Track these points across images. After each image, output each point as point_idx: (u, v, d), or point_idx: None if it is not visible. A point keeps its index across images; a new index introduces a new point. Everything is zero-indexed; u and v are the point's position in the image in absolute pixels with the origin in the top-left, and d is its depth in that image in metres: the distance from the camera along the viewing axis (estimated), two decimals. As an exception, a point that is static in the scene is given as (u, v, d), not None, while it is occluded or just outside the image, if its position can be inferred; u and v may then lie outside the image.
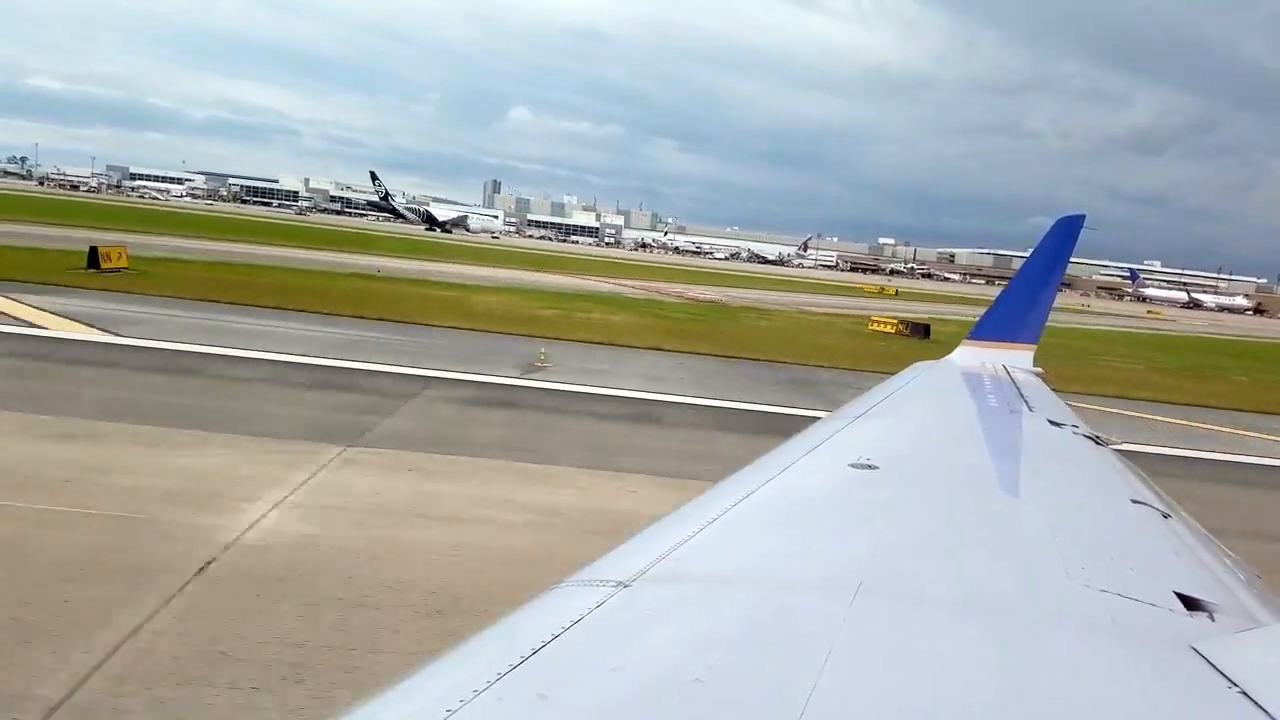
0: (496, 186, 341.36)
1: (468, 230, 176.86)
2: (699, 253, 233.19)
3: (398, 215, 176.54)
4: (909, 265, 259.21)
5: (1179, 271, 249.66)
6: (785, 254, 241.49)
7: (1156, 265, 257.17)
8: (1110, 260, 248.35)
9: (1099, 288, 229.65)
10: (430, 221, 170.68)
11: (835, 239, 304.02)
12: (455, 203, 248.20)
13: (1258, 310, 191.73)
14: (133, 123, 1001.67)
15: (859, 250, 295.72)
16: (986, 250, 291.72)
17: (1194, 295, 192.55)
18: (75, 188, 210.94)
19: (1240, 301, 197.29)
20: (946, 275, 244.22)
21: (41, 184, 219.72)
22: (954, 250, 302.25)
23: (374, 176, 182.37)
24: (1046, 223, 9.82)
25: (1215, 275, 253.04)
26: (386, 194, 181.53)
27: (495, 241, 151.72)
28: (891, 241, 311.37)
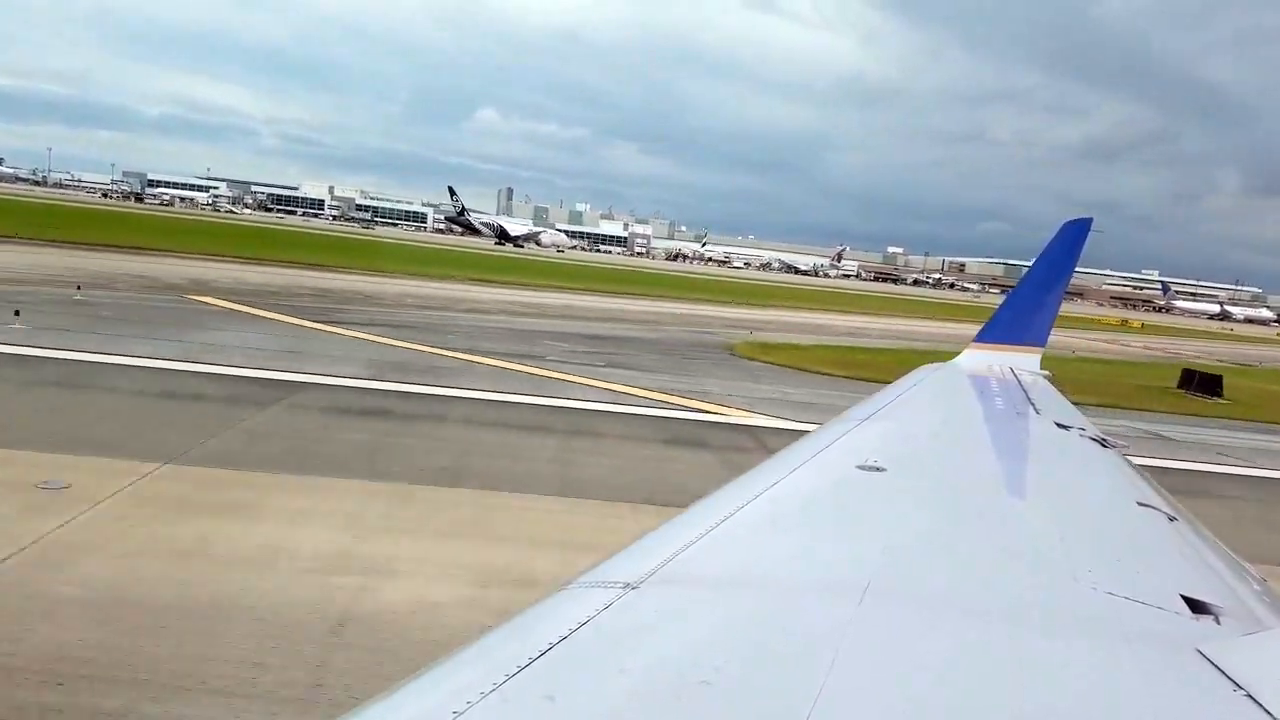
0: (510, 194, 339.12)
1: (539, 245, 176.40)
2: (725, 261, 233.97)
3: (472, 230, 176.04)
4: (930, 276, 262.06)
5: (1194, 282, 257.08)
6: (819, 265, 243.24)
7: (1108, 271, 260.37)
8: (1112, 269, 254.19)
9: (1112, 297, 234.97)
10: (503, 236, 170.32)
11: (849, 248, 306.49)
12: (444, 204, 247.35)
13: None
14: (82, 120, 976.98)
15: (873, 260, 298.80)
16: (996, 260, 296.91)
17: (1225, 308, 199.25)
18: (139, 198, 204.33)
19: (1265, 313, 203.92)
20: (965, 285, 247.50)
21: (58, 186, 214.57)
22: (964, 260, 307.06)
23: (452, 192, 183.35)
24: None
25: (1232, 287, 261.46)
26: (464, 209, 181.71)
27: (563, 256, 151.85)
28: (901, 250, 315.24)
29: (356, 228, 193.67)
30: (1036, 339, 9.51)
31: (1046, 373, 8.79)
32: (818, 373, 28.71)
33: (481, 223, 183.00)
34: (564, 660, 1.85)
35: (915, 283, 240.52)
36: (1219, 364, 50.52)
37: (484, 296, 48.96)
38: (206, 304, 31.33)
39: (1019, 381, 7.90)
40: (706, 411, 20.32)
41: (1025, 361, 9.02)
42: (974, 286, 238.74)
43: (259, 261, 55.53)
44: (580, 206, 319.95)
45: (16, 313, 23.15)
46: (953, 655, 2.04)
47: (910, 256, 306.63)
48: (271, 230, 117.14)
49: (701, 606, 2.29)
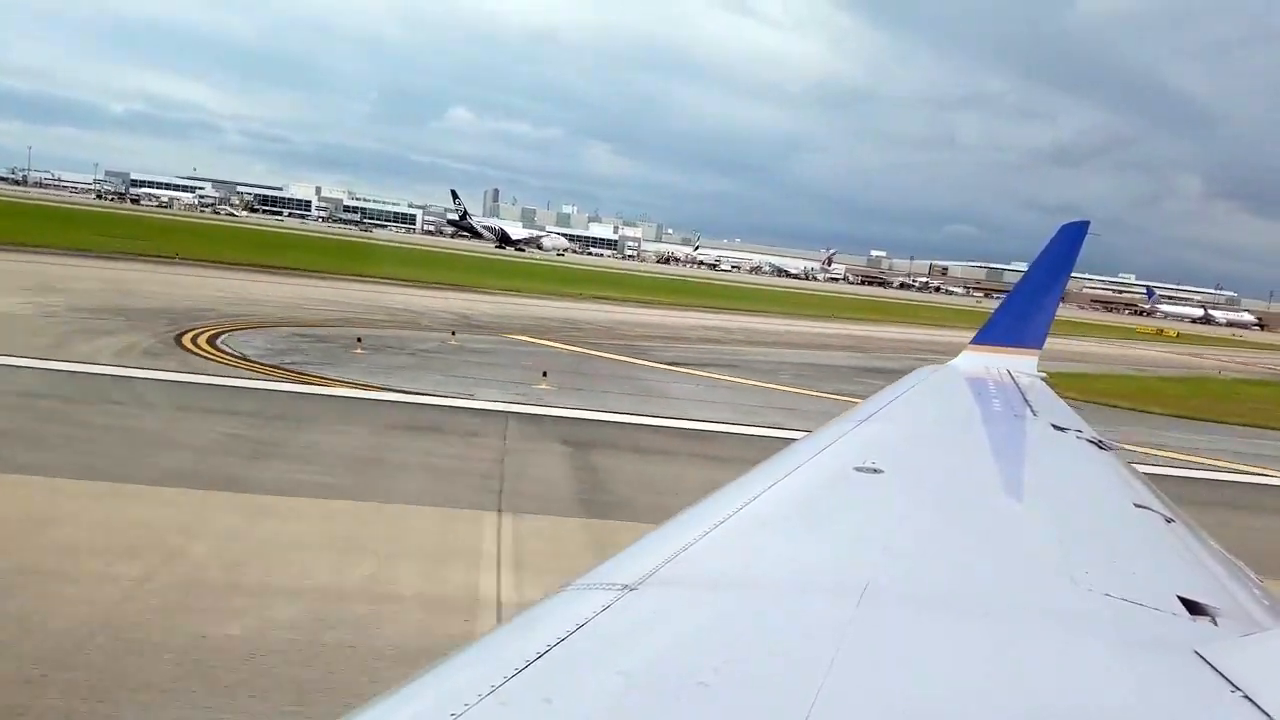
0: (496, 195, 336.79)
1: (540, 249, 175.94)
2: (714, 265, 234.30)
3: (474, 234, 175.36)
4: (916, 280, 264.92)
5: (1174, 286, 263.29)
6: (809, 268, 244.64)
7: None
8: (1089, 273, 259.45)
9: (1092, 300, 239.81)
10: (504, 240, 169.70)
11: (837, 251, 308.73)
12: (432, 205, 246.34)
13: (1261, 326, 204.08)
14: (43, 116, 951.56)
15: (857, 263, 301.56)
16: (979, 264, 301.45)
17: (1209, 312, 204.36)
18: (135, 200, 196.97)
19: (1247, 317, 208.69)
20: (950, 289, 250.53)
21: (39, 186, 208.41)
22: (946, 263, 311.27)
23: (454, 195, 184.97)
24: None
25: (1212, 291, 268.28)
26: (465, 213, 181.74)
27: (563, 259, 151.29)
28: (884, 254, 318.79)
29: (354, 230, 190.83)
30: (1034, 341, 9.51)
31: (1044, 375, 8.81)
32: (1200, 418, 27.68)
33: (483, 226, 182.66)
34: (562, 662, 1.85)
35: (902, 286, 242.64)
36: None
37: (665, 320, 48.32)
38: (542, 345, 30.68)
39: (1016, 384, 7.90)
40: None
41: (1022, 364, 9.02)
42: (959, 290, 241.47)
43: (414, 283, 54.02)
44: (568, 209, 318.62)
45: (544, 374, 22.62)
46: (950, 657, 2.04)
47: (894, 260, 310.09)
48: (290, 236, 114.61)
49: (700, 608, 2.29)
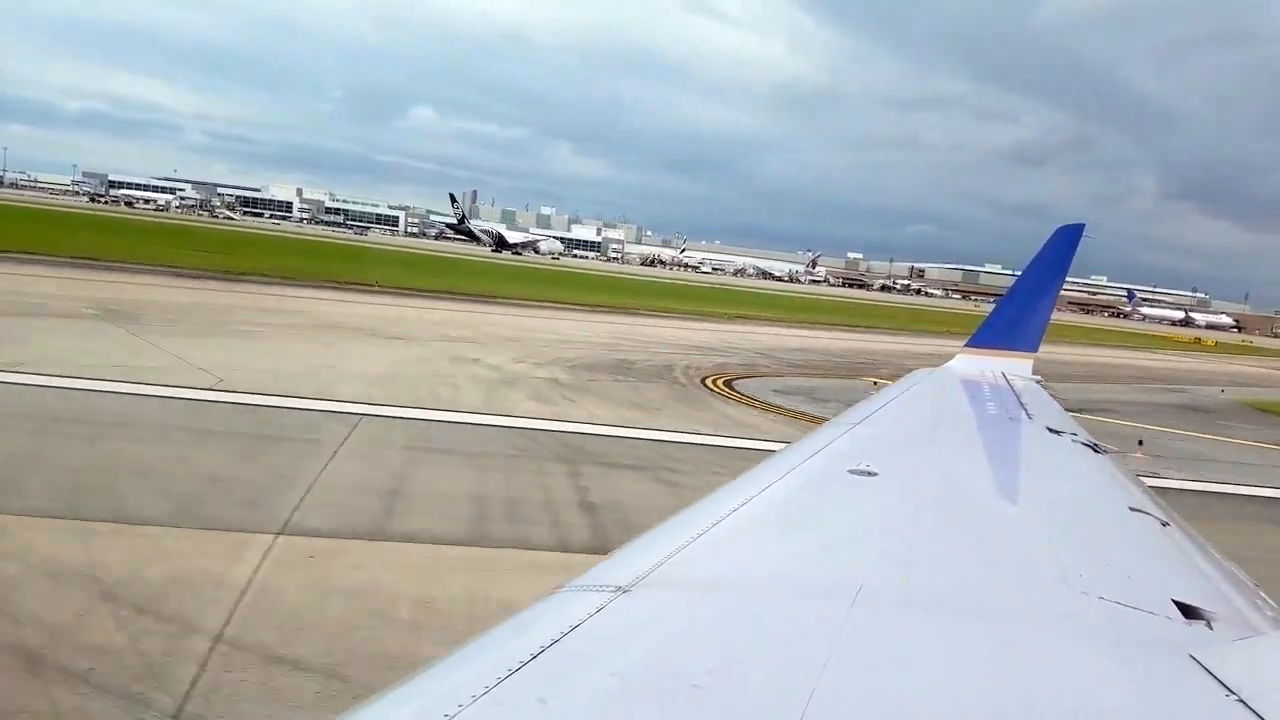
0: (474, 197, 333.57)
1: (537, 252, 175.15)
2: (697, 267, 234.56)
3: (472, 237, 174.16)
4: (898, 282, 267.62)
5: (1151, 288, 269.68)
6: (794, 271, 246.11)
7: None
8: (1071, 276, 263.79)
9: (1070, 303, 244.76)
10: (500, 244, 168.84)
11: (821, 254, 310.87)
12: (413, 206, 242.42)
13: (1238, 328, 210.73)
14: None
15: (835, 265, 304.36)
16: (953, 265, 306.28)
17: (1190, 314, 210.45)
18: (130, 204, 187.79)
19: (1225, 320, 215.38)
20: (929, 291, 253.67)
21: (14, 188, 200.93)
22: (923, 265, 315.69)
23: (453, 199, 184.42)
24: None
25: (1189, 294, 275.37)
26: (464, 216, 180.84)
27: (557, 263, 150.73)
28: (860, 256, 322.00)
29: (350, 235, 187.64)
30: (1029, 344, 9.51)
31: (1039, 378, 8.83)
32: None
33: (481, 230, 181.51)
34: (556, 663, 1.86)
35: (883, 288, 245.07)
36: None
37: (872, 346, 46.84)
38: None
39: (1011, 386, 7.90)
40: None
41: (1018, 367, 9.04)
42: (937, 292, 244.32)
43: (562, 305, 51.80)
44: (546, 210, 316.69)
45: (1140, 442, 20.37)
46: (944, 659, 2.05)
47: (870, 262, 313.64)
48: (324, 245, 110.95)
49: (694, 609, 2.30)
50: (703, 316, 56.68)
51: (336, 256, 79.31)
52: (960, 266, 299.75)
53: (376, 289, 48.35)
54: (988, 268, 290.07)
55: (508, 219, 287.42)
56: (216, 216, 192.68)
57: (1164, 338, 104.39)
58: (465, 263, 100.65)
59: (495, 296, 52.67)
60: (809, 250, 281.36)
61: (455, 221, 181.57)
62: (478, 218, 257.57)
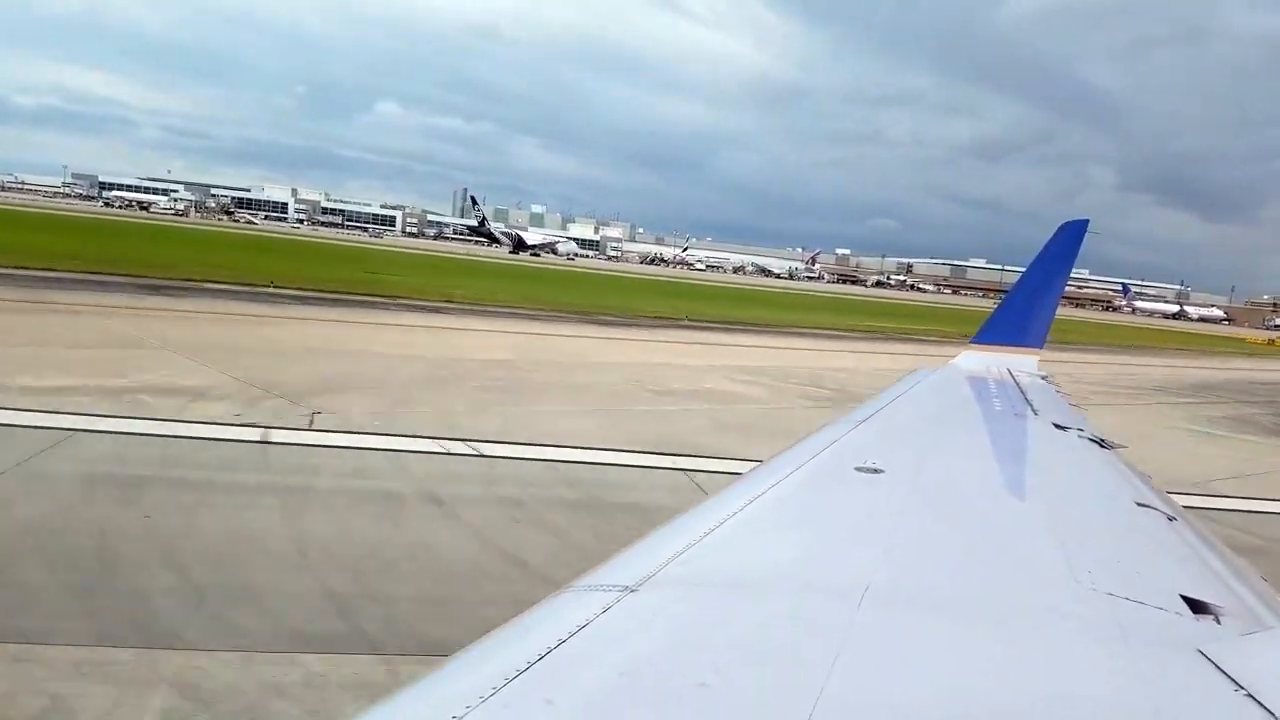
0: (465, 195, 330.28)
1: (554, 254, 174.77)
2: (691, 266, 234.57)
3: (492, 239, 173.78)
4: (892, 278, 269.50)
5: (1140, 281, 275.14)
6: (794, 268, 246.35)
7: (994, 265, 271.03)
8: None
9: (1062, 296, 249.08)
10: (519, 245, 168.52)
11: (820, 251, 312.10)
12: (397, 205, 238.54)
13: (1229, 320, 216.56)
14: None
15: (825, 261, 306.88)
16: (940, 260, 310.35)
17: (1183, 307, 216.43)
18: (144, 207, 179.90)
19: (1216, 312, 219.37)
20: (922, 286, 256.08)
21: (2, 190, 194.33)
22: (910, 260, 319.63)
23: (474, 201, 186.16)
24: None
25: (1176, 286, 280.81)
26: (484, 219, 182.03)
27: (573, 264, 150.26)
28: (848, 253, 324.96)
29: (366, 237, 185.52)
30: (1034, 340, 9.55)
31: (1045, 374, 8.83)
32: None
33: (501, 232, 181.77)
34: (563, 663, 1.86)
35: (878, 284, 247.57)
36: None
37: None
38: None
39: (1017, 383, 7.91)
40: None
41: (1023, 363, 9.05)
42: (930, 288, 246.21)
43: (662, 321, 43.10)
44: (538, 209, 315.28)
45: None
46: (952, 657, 2.05)
47: (860, 259, 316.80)
48: (364, 250, 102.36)
49: (700, 609, 2.29)
50: (843, 332, 48.81)
51: (427, 270, 69.92)
52: (947, 261, 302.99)
53: (633, 322, 40.63)
54: (973, 262, 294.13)
55: (500, 217, 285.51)
56: (237, 221, 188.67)
57: (1221, 338, 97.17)
58: (519, 269, 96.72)
59: (665, 317, 45.02)
60: (805, 248, 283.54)
61: (476, 224, 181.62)
62: (467, 217, 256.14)
